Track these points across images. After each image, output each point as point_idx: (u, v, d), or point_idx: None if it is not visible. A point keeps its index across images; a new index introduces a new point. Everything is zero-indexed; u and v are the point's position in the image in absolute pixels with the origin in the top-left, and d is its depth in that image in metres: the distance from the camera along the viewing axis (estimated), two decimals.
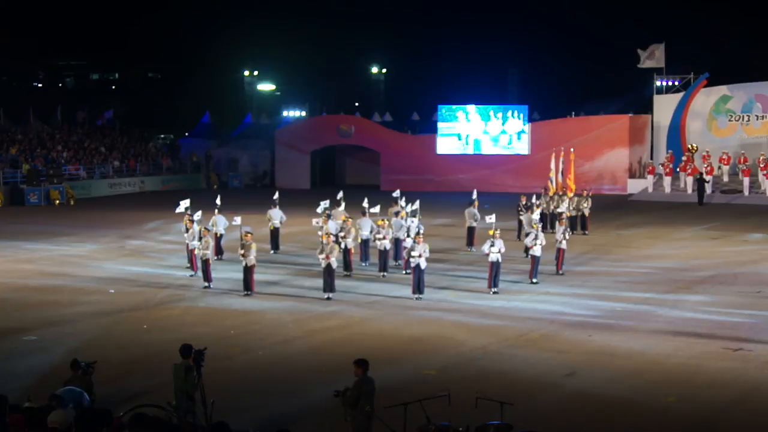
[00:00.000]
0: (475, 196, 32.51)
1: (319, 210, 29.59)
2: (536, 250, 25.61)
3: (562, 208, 34.64)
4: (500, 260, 24.43)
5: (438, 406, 12.45)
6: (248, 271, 24.01)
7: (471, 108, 57.19)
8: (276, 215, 31.12)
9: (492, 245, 24.27)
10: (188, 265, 27.07)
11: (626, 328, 20.51)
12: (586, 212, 35.78)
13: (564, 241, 26.99)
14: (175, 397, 13.21)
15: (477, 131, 56.93)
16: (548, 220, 34.32)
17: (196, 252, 25.88)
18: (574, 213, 35.41)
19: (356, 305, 23.04)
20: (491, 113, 56.91)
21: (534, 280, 25.55)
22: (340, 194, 31.87)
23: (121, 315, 21.96)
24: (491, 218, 25.48)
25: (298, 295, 24.09)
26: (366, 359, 12.78)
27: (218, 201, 30.20)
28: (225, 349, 18.31)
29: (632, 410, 15.15)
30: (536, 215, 29.81)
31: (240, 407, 14.82)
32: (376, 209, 29.21)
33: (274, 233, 31.05)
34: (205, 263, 25.05)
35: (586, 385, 16.51)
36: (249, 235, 24.38)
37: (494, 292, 24.12)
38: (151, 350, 18.54)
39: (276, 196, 32.04)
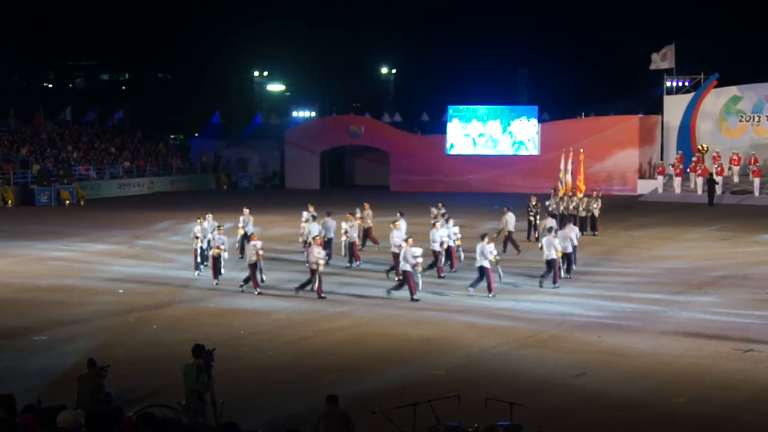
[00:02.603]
0: (443, 210, 31.06)
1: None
2: (551, 254, 25.22)
3: (570, 208, 34.57)
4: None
5: (447, 406, 12.44)
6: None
7: (480, 108, 57.16)
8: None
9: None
10: (205, 263, 26.72)
11: (636, 328, 20.45)
12: (596, 213, 35.64)
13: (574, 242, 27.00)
14: (186, 397, 13.23)
15: (487, 131, 56.85)
16: (558, 221, 34.15)
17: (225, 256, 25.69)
18: (584, 214, 35.32)
19: (365, 305, 23.02)
20: (501, 113, 56.84)
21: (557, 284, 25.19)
22: (398, 217, 28.54)
23: (131, 315, 21.98)
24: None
25: (308, 296, 24.07)
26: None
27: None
28: (234, 349, 18.35)
29: (642, 411, 15.12)
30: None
31: (249, 407, 14.82)
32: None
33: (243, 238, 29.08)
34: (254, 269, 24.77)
35: (595, 385, 16.47)
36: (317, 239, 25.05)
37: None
38: (160, 350, 18.57)
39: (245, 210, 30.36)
